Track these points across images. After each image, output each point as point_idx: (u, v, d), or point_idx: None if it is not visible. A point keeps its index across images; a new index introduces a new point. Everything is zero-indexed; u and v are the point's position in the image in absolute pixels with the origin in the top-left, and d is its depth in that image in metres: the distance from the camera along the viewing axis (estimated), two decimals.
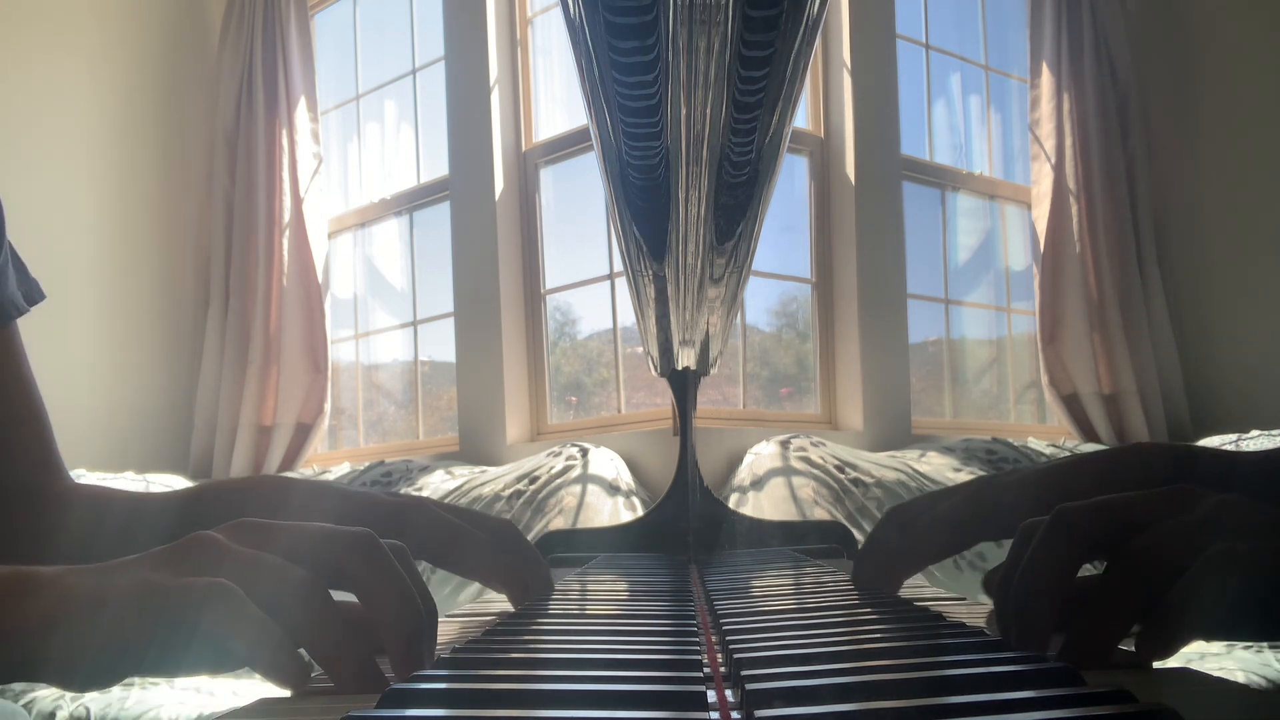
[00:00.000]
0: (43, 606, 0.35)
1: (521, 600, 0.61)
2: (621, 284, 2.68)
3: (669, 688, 0.30)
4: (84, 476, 2.54)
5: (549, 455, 2.30)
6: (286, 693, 0.36)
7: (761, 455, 2.21)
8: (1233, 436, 2.44)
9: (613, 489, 2.15)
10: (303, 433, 3.06)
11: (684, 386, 1.04)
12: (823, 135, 2.71)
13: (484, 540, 0.60)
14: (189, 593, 0.35)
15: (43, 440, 0.72)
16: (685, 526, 1.00)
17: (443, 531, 0.60)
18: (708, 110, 0.78)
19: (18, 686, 2.05)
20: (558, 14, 2.75)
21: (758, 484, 2.11)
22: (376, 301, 3.33)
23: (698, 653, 0.37)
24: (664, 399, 2.47)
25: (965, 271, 3.13)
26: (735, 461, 2.28)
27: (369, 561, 0.39)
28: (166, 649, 0.35)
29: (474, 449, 2.74)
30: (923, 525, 0.58)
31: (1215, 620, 0.35)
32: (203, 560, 0.37)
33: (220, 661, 0.36)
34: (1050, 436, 2.81)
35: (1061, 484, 0.54)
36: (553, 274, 2.81)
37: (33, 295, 0.74)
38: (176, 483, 2.70)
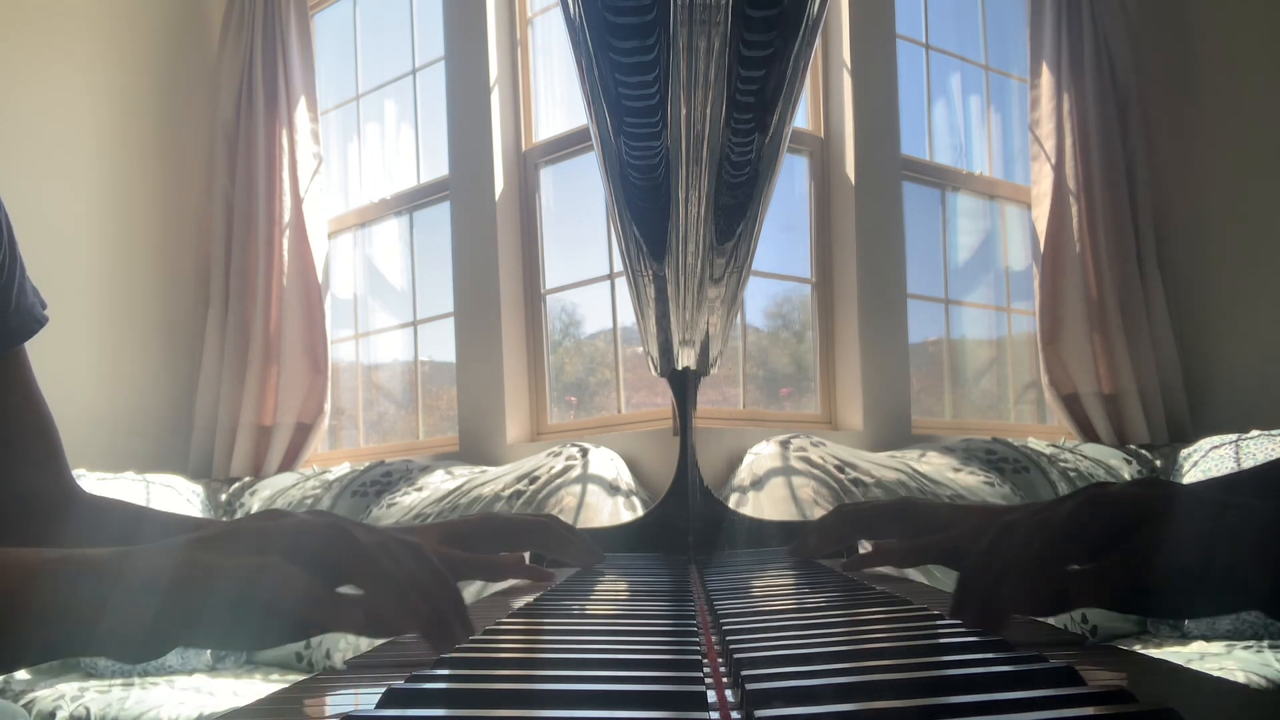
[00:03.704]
0: (99, 586, 0.39)
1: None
2: (621, 284, 2.68)
3: (669, 688, 0.30)
4: (84, 477, 2.54)
5: (549, 455, 2.30)
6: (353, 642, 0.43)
7: (761, 455, 2.21)
8: (1232, 436, 2.44)
9: (613, 489, 2.15)
10: (303, 433, 3.06)
11: (684, 386, 1.04)
12: (823, 135, 2.71)
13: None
14: (244, 568, 0.40)
15: (54, 453, 0.75)
16: (685, 526, 1.00)
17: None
18: (708, 110, 0.77)
19: (17, 685, 2.05)
20: (558, 14, 2.75)
21: (758, 484, 2.11)
22: (376, 301, 3.33)
23: (698, 653, 0.37)
24: (664, 399, 2.47)
25: (965, 271, 3.12)
26: (735, 461, 2.28)
27: (350, 552, 0.44)
28: (221, 618, 0.39)
29: (474, 449, 2.74)
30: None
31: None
32: (244, 542, 0.43)
33: (274, 628, 0.41)
34: (1050, 436, 2.81)
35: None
36: (553, 274, 2.80)
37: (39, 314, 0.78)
38: (177, 482, 2.70)
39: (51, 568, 0.40)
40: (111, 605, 0.38)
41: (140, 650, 0.39)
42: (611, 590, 0.71)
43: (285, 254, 3.05)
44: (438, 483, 2.44)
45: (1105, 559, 0.41)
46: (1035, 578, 0.42)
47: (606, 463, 2.23)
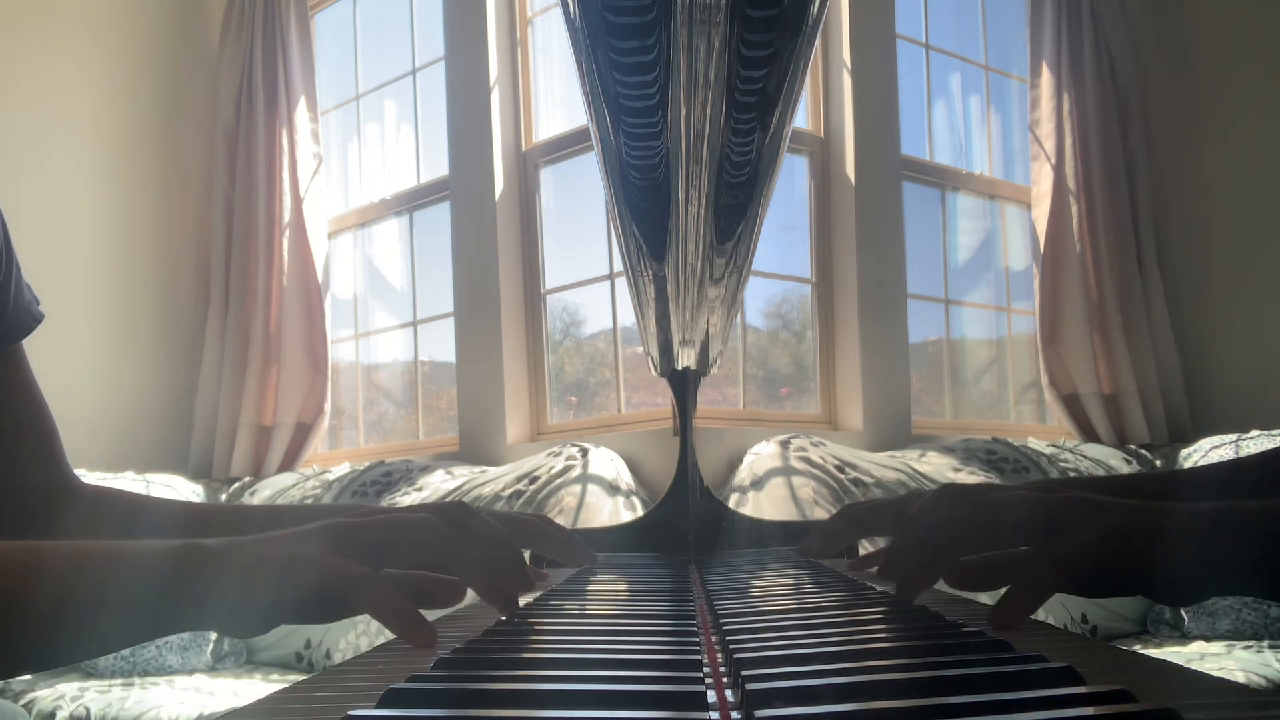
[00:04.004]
0: (221, 574, 0.45)
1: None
2: (621, 284, 2.68)
3: (669, 688, 0.30)
4: (85, 477, 2.53)
5: (549, 455, 2.30)
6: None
7: (761, 455, 2.21)
8: (1232, 436, 2.44)
9: (613, 489, 2.15)
10: (303, 433, 3.06)
11: (684, 386, 1.04)
12: (823, 135, 2.71)
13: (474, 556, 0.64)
14: (347, 572, 0.46)
15: (53, 448, 0.77)
16: (685, 526, 1.00)
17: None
18: (708, 110, 0.77)
19: (18, 686, 2.05)
20: (558, 14, 2.75)
21: (758, 484, 2.11)
22: (376, 301, 3.33)
23: (698, 653, 0.37)
24: (664, 399, 2.47)
25: (965, 271, 3.12)
26: (735, 461, 2.28)
27: (445, 542, 0.51)
28: (314, 603, 0.46)
29: (474, 449, 2.74)
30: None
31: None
32: (339, 542, 0.48)
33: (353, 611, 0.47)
34: (1050, 436, 2.81)
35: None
36: (553, 274, 2.80)
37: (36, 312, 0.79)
38: (177, 482, 2.70)
39: (181, 556, 0.45)
40: (232, 591, 0.44)
41: (251, 627, 0.45)
42: (611, 590, 0.71)
43: (285, 254, 3.05)
44: (438, 483, 2.44)
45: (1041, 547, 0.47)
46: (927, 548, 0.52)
47: (606, 463, 2.23)
